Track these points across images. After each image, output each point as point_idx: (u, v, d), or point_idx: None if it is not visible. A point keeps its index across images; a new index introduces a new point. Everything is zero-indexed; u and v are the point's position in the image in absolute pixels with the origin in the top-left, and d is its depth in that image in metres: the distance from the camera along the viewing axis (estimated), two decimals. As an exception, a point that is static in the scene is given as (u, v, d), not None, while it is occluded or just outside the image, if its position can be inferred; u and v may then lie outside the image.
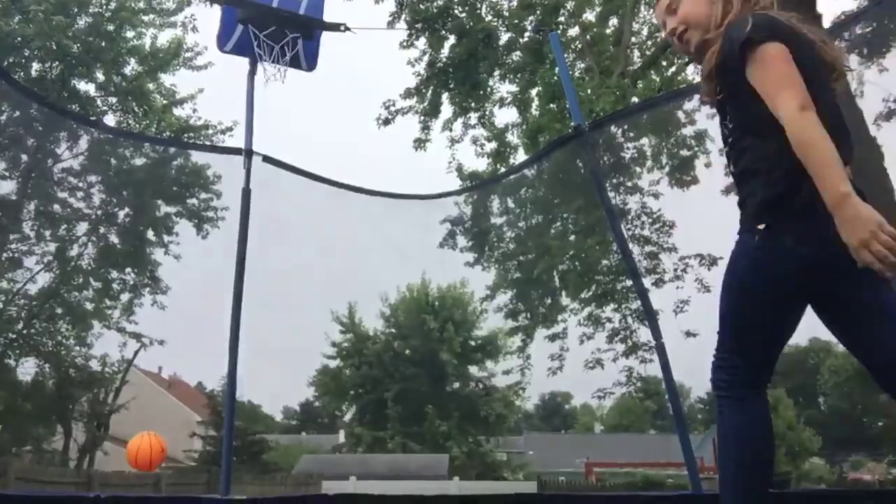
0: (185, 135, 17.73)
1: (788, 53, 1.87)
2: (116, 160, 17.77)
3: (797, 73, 1.84)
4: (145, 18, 17.32)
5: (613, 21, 13.04)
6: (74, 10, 16.28)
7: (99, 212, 18.36)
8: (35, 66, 16.97)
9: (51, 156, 17.67)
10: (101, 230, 18.59)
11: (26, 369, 19.04)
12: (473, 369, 32.47)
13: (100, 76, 17.62)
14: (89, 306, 19.04)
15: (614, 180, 12.05)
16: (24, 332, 18.47)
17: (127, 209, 18.39)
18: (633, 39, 12.96)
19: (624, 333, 12.92)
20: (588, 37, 12.34)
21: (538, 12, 12.41)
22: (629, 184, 12.51)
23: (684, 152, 12.66)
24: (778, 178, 1.87)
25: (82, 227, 18.42)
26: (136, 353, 20.88)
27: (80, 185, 18.00)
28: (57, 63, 16.95)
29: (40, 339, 18.97)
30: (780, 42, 1.88)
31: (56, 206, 18.01)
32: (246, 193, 5.37)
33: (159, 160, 17.57)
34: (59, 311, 18.97)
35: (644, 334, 12.30)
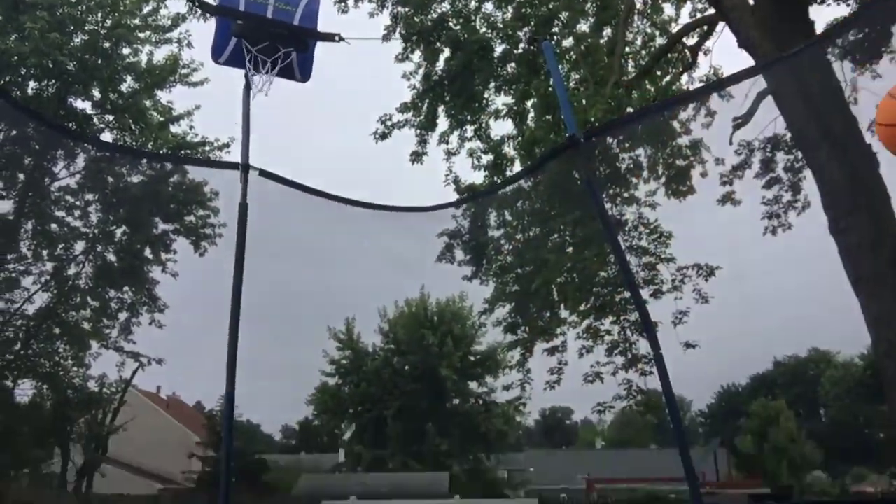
0: (182, 151, 17.72)
1: None
2: (113, 178, 17.78)
3: None
4: (141, 35, 17.34)
5: (607, 31, 13.05)
6: (70, 28, 16.30)
7: (96, 230, 18.33)
8: (31, 84, 17.01)
9: (48, 174, 17.67)
10: (99, 248, 18.55)
11: (24, 390, 18.93)
12: (473, 385, 32.26)
13: (96, 94, 17.64)
14: (87, 326, 18.96)
15: (611, 191, 12.03)
16: (22, 352, 18.35)
17: (124, 227, 18.35)
18: (627, 49, 12.98)
19: (623, 346, 12.82)
20: (582, 47, 12.34)
21: (532, 23, 12.43)
22: (626, 194, 12.48)
23: (680, 162, 12.67)
24: None
25: (80, 246, 18.38)
26: (134, 372, 20.78)
27: (78, 203, 17.99)
28: (53, 81, 16.97)
29: (38, 359, 18.85)
30: None
31: (53, 225, 17.99)
32: (243, 208, 5.33)
33: (156, 177, 17.56)
34: (56, 331, 18.88)
35: (643, 347, 12.22)
